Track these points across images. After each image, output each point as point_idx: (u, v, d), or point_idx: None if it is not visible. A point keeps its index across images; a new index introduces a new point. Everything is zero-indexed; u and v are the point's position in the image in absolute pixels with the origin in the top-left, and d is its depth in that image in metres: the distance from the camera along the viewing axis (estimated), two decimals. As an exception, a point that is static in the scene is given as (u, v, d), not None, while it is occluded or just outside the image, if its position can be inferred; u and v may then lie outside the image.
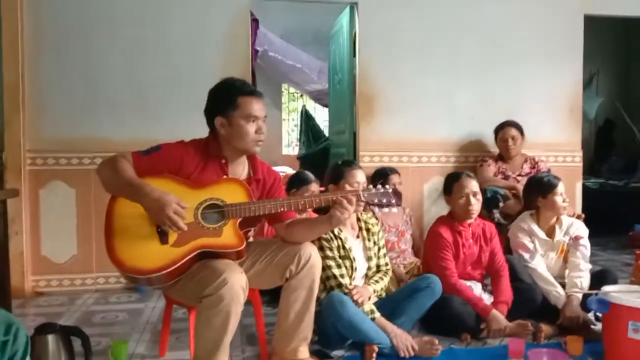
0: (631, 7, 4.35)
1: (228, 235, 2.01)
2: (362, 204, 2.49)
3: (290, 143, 8.60)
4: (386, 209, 2.18)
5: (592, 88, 7.07)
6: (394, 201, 2.19)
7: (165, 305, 2.41)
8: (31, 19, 3.53)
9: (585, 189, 4.52)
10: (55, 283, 3.62)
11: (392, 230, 3.54)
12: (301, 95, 8.03)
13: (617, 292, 2.28)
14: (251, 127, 2.13)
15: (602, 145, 7.19)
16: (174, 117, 3.58)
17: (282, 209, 2.10)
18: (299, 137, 7.21)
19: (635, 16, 4.44)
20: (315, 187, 3.31)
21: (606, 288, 2.36)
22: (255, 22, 5.23)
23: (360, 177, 2.57)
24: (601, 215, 5.03)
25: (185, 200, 1.98)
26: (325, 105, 6.06)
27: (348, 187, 2.38)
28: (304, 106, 7.38)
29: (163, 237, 1.95)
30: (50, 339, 2.11)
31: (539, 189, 2.95)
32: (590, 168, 6.76)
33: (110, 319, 3.05)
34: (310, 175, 3.42)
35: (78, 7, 3.59)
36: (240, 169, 2.25)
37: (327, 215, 2.16)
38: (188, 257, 1.95)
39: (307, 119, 6.89)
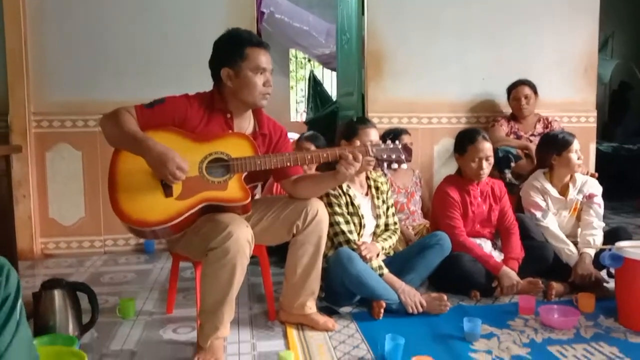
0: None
1: (233, 188, 1.97)
2: (373, 162, 2.45)
3: (299, 110, 8.51)
4: (395, 165, 2.12)
5: (607, 51, 6.88)
6: (403, 157, 2.14)
7: (172, 262, 2.40)
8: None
9: (598, 152, 4.42)
10: (64, 245, 3.63)
11: (401, 192, 3.50)
12: (309, 60, 7.91)
13: (631, 247, 2.23)
14: (259, 79, 2.07)
15: (616, 107, 7.03)
16: (177, 79, 3.51)
17: (288, 164, 2.06)
18: (306, 102, 7.11)
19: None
20: None
21: (620, 244, 2.31)
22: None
23: (374, 135, 2.49)
24: (614, 179, 4.95)
25: (189, 154, 1.94)
26: (334, 69, 5.94)
27: None
28: (311, 71, 7.26)
29: (167, 189, 1.92)
30: (57, 294, 2.11)
31: (554, 146, 2.87)
32: (604, 131, 6.64)
33: (119, 279, 3.06)
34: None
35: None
36: (246, 123, 2.20)
37: (333, 171, 2.12)
38: (193, 210, 1.92)
39: (314, 85, 6.78)
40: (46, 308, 2.10)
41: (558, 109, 4.08)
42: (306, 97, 7.19)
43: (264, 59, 2.09)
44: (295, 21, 5.44)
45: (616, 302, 2.33)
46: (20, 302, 1.15)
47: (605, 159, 5.18)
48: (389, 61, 3.90)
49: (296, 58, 8.67)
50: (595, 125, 4.24)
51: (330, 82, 7.60)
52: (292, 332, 2.21)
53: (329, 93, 6.99)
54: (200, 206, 1.93)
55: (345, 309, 2.46)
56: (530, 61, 4.03)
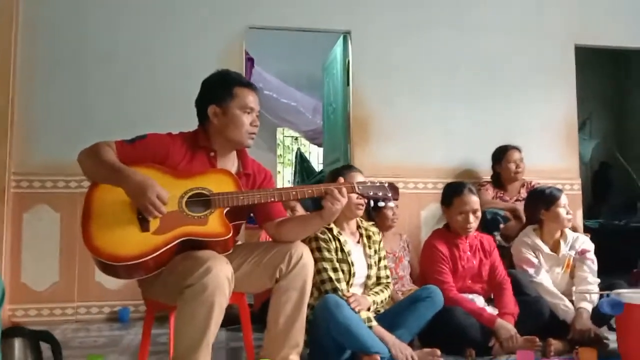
0: (620, 38, 4.43)
1: (214, 224, 1.88)
2: (362, 205, 2.40)
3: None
4: (382, 203, 2.06)
5: (585, 132, 7.10)
6: (390, 194, 2.09)
7: (146, 311, 2.22)
8: (24, 45, 3.54)
9: (585, 229, 4.40)
10: (34, 312, 3.42)
11: (389, 256, 3.39)
12: (296, 139, 8.06)
13: (630, 293, 2.14)
14: (246, 118, 2.06)
15: (599, 187, 7.13)
16: (165, 138, 3.50)
17: (272, 199, 1.99)
18: (293, 177, 7.16)
19: (623, 47, 4.51)
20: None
21: (618, 290, 2.21)
22: (250, 61, 5.30)
23: (360, 179, 2.45)
24: (603, 254, 4.88)
25: (170, 189, 1.87)
26: (320, 145, 6.03)
27: None
28: (298, 149, 7.39)
29: (144, 224, 1.82)
30: (17, 342, 1.95)
31: (542, 201, 2.85)
32: (589, 211, 6.67)
33: (89, 343, 2.86)
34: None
35: (70, 34, 3.61)
36: (230, 163, 2.15)
37: (318, 211, 2.06)
38: (170, 245, 1.81)
39: (301, 161, 6.87)
40: (5, 358, 1.92)
41: (542, 175, 4.10)
42: (293, 173, 7.26)
43: (252, 98, 2.09)
44: (284, 97, 5.59)
45: (619, 355, 2.19)
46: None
47: (593, 235, 5.15)
48: (374, 126, 3.96)
49: (283, 144, 8.86)
50: (580, 192, 4.26)
51: (316, 157, 7.72)
52: None
53: (315, 168, 7.06)
54: (178, 241, 1.83)
55: (333, 367, 2.28)
56: (512, 128, 4.10)
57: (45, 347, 2.03)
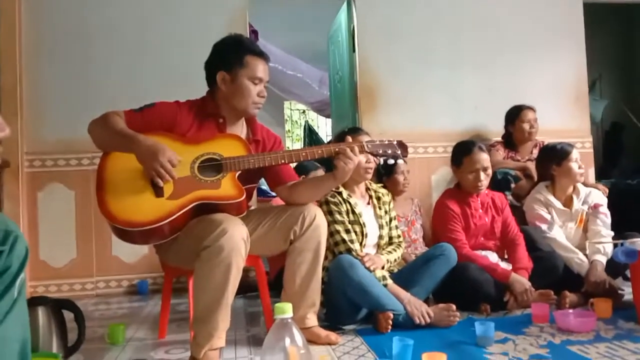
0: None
1: (227, 187, 1.90)
2: (372, 166, 2.40)
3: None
4: (391, 160, 2.08)
5: (595, 92, 7.00)
6: (399, 152, 2.09)
7: (165, 277, 2.27)
8: (29, 22, 3.52)
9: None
10: (54, 289, 3.48)
11: (401, 220, 3.41)
12: (303, 112, 8.03)
13: (644, 241, 2.14)
14: (254, 89, 2.06)
15: (611, 149, 7.05)
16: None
17: (282, 161, 2.01)
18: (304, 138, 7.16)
19: (633, 2, 4.41)
20: (321, 172, 3.22)
21: (632, 239, 2.21)
22: (254, 33, 5.24)
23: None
24: (615, 214, 4.85)
25: (181, 155, 1.89)
26: (328, 116, 6.00)
27: None
28: (306, 122, 7.37)
29: (158, 190, 1.84)
30: (41, 311, 1.98)
31: (553, 156, 2.83)
32: (600, 173, 6.61)
33: (109, 314, 2.91)
34: (314, 162, 3.33)
35: (76, 10, 3.58)
36: (239, 130, 2.16)
37: (331, 172, 2.07)
38: (184, 210, 1.83)
39: (310, 134, 6.85)
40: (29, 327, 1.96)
41: (553, 135, 4.03)
42: (302, 145, 7.24)
43: (262, 68, 2.08)
44: (289, 69, 5.55)
45: (635, 304, 2.20)
46: (21, 278, 1.01)
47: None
48: (381, 94, 3.93)
49: (291, 118, 8.83)
50: (591, 150, 4.23)
51: (324, 129, 7.69)
52: (293, 348, 2.05)
53: (324, 140, 7.04)
54: (192, 205, 1.85)
55: (349, 327, 2.31)
56: (522, 90, 4.05)
57: (68, 319, 2.07)
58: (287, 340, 1.16)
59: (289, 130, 8.72)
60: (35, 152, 3.49)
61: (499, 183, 3.41)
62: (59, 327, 2.02)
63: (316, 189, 2.13)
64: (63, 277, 3.49)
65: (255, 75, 2.05)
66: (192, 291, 1.90)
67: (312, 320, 2.11)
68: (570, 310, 2.23)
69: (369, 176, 2.46)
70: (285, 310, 1.18)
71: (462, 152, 2.72)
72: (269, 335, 1.19)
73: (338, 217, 2.33)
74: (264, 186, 4.75)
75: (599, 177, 6.08)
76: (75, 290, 3.49)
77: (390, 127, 3.92)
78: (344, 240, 2.30)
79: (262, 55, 2.11)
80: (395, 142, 2.10)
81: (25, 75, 3.50)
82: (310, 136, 6.82)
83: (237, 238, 1.78)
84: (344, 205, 2.38)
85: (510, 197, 3.41)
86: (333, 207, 2.34)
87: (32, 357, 1.80)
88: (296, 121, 8.77)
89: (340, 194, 2.40)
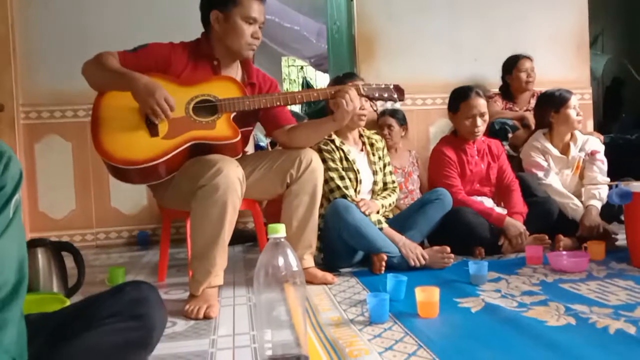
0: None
1: (222, 127, 1.90)
2: (364, 117, 2.39)
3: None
4: (388, 104, 2.06)
5: (597, 47, 6.90)
6: (395, 95, 2.08)
7: (163, 220, 2.29)
8: (19, -31, 3.45)
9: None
10: (54, 240, 3.50)
11: (398, 172, 3.42)
12: (301, 68, 7.94)
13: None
14: (248, 29, 2.02)
15: (611, 105, 7.01)
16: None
17: (278, 103, 1.99)
18: (300, 107, 7.12)
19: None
20: None
21: (627, 182, 2.22)
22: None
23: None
24: (614, 168, 4.86)
25: (175, 96, 1.87)
26: (326, 71, 5.93)
27: None
28: (304, 78, 7.29)
29: (153, 129, 1.84)
30: (40, 252, 2.01)
31: (551, 103, 2.82)
32: (600, 129, 6.59)
33: (110, 262, 2.94)
34: (300, 114, 3.32)
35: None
36: (234, 72, 2.14)
37: (329, 116, 2.06)
38: (180, 149, 1.84)
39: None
40: (29, 268, 1.99)
41: (552, 86, 3.97)
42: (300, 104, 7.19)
43: (256, 8, 2.03)
44: (286, 22, 5.44)
45: (627, 246, 2.23)
46: (16, 198, 0.98)
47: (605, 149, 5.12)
48: (379, 43, 3.87)
49: (289, 77, 8.73)
50: (590, 102, 4.20)
51: (323, 85, 7.64)
52: (289, 287, 2.09)
53: (322, 97, 6.98)
54: (187, 145, 1.85)
55: (345, 270, 2.34)
56: (522, 39, 3.99)
57: (69, 267, 2.10)
58: (281, 259, 1.17)
59: (287, 89, 8.65)
60: (30, 104, 3.47)
61: (497, 133, 3.41)
62: (59, 268, 2.05)
63: (315, 131, 2.13)
64: (63, 229, 3.52)
65: (250, 15, 2.01)
66: (190, 231, 1.92)
67: (308, 261, 2.15)
68: (564, 252, 2.25)
69: (363, 123, 2.44)
70: (277, 229, 1.20)
71: (459, 97, 2.70)
72: (263, 254, 1.21)
73: (332, 164, 2.33)
74: (262, 142, 4.74)
75: (599, 132, 6.07)
76: (75, 241, 3.51)
77: (390, 77, 3.79)
78: (338, 187, 2.31)
79: None
80: (391, 86, 2.08)
81: (17, 25, 3.44)
82: (308, 92, 6.76)
83: (232, 177, 1.79)
84: (337, 152, 2.38)
85: (507, 147, 3.41)
86: (326, 154, 2.34)
87: (35, 296, 1.85)
88: (294, 80, 8.70)
89: (333, 141, 2.40)
